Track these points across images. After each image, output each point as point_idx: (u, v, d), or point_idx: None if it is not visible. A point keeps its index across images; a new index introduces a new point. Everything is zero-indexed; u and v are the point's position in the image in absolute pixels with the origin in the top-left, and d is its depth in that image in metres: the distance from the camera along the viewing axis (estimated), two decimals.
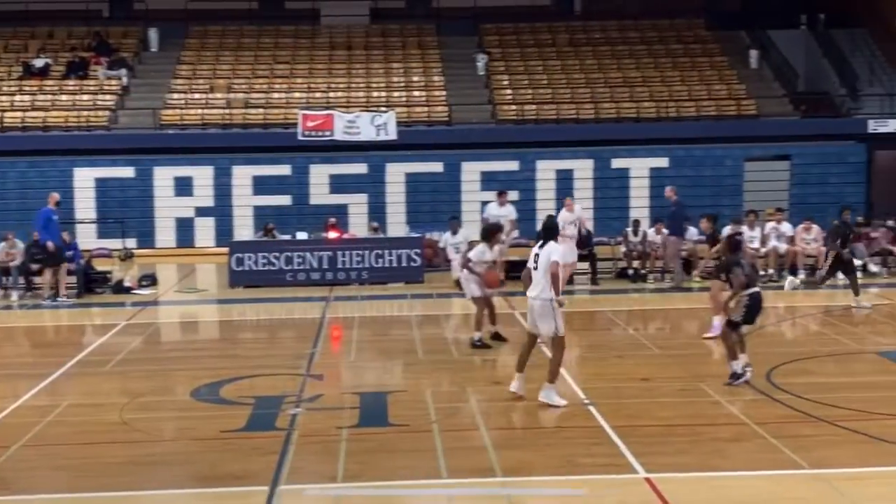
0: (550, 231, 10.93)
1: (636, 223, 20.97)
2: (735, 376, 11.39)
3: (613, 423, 10.05)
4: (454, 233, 19.84)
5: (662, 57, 30.13)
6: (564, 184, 26.27)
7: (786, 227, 20.53)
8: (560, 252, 10.77)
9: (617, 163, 26.55)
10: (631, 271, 20.28)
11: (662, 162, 26.51)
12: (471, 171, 26.52)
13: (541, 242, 10.82)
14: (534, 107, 28.01)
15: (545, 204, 24.76)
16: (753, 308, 11.50)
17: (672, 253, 19.51)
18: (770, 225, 20.55)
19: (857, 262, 20.02)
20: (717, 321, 13.59)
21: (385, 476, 8.74)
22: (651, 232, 20.58)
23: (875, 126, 26.80)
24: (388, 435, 10.02)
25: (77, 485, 8.65)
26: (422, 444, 9.65)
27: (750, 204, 24.07)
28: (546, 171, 26.48)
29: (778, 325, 15.79)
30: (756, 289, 11.61)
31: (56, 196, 19.62)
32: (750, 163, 26.57)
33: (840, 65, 29.51)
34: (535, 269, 10.75)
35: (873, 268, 20.16)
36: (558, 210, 24.26)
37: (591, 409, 10.69)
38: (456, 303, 18.59)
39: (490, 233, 14.11)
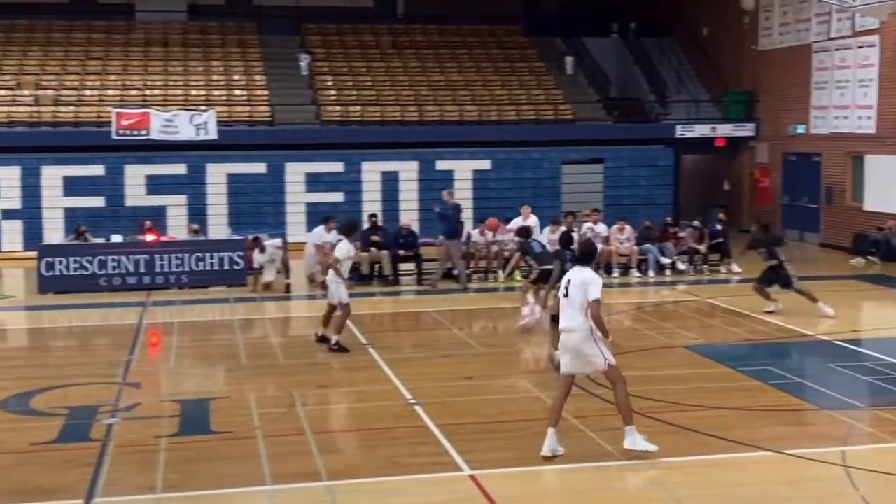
0: (588, 255, 9.28)
1: (460, 224, 21.27)
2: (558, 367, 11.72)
3: (439, 422, 10.17)
4: (262, 251, 19.52)
5: (483, 61, 30.69)
6: (390, 185, 26.39)
7: (601, 228, 21.27)
8: (599, 286, 9.00)
9: (441, 165, 26.84)
10: (455, 272, 20.56)
11: (485, 164, 26.99)
12: (295, 173, 26.22)
13: (573, 267, 9.25)
14: (358, 108, 27.99)
15: (371, 206, 24.78)
16: None
17: (457, 255, 19.82)
18: (586, 225, 21.25)
19: (665, 261, 21.04)
20: (526, 310, 14.70)
21: (208, 485, 8.55)
22: (475, 233, 20.93)
23: (682, 131, 28.14)
24: (210, 443, 9.82)
25: None
26: (245, 450, 9.48)
27: (568, 205, 24.83)
28: (371, 172, 26.49)
29: None
30: None
31: None
32: (567, 165, 27.41)
33: (650, 72, 30.84)
34: (566, 296, 9.04)
35: (681, 266, 21.15)
36: (385, 211, 24.46)
37: (417, 408, 10.77)
38: (280, 306, 18.37)
39: (349, 228, 14.17)
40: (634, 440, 8.98)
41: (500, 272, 20.44)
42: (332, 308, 14.06)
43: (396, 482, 8.58)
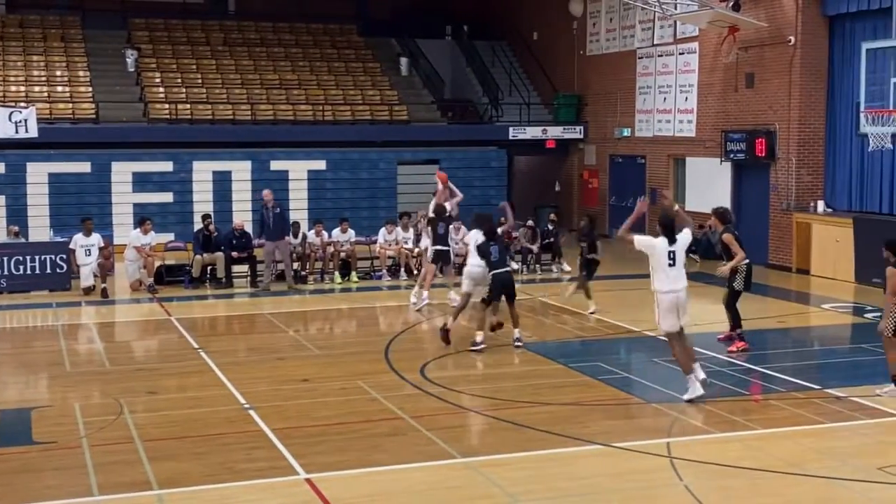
0: (671, 227, 11.22)
1: (296, 225, 21.04)
2: (475, 345, 13.46)
3: (274, 426, 10.03)
4: (87, 234, 18.93)
5: (317, 61, 30.47)
6: (222, 185, 25.87)
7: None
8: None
9: (276, 164, 26.51)
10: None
11: (320, 164, 26.82)
12: (121, 172, 25.36)
13: (668, 240, 11.10)
14: (188, 106, 27.29)
15: (202, 206, 24.22)
16: (495, 287, 13.64)
17: (285, 255, 19.66)
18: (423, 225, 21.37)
19: None
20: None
21: (30, 497, 8.17)
22: (311, 234, 20.76)
23: (514, 133, 28.75)
24: (33, 454, 9.38)
25: None
26: (70, 461, 9.11)
27: (403, 206, 24.97)
28: (202, 171, 25.89)
29: (430, 321, 16.47)
30: (500, 269, 13.65)
31: None
32: (403, 166, 27.55)
33: (483, 75, 31.34)
34: (673, 264, 11.02)
35: (514, 265, 21.55)
36: (218, 212, 23.92)
37: (251, 413, 10.59)
38: (105, 311, 17.73)
39: (485, 218, 14.75)
40: (693, 389, 10.87)
41: (337, 273, 20.34)
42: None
43: (230, 489, 8.41)
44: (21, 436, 9.96)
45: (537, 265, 21.83)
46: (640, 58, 26.94)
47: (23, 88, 26.62)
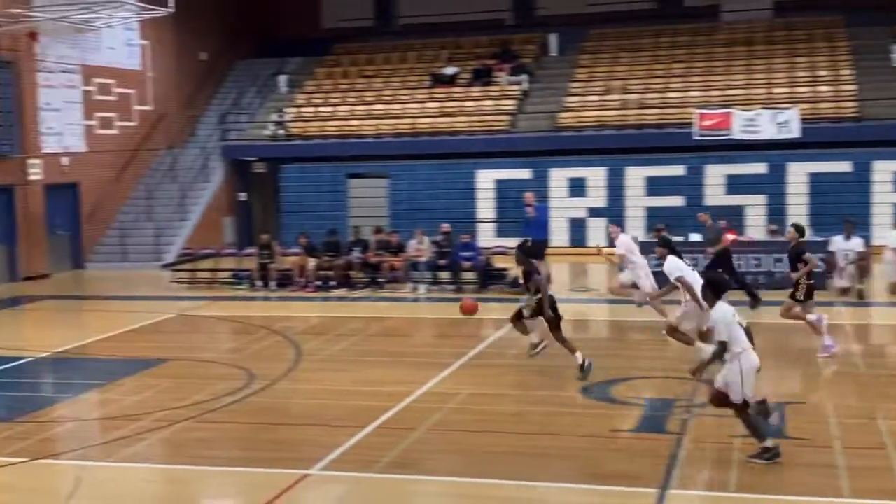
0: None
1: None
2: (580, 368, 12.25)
3: None
4: (847, 237, 18.62)
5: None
6: None
7: None
8: None
9: None
10: None
11: None
12: (882, 171, 24.61)
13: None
14: None
15: None
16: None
17: None
18: None
19: None
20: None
21: (777, 490, 8.35)
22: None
23: None
24: (786, 448, 9.51)
25: (472, 470, 9.06)
26: (820, 459, 9.06)
27: None
28: None
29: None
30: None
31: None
32: None
33: None
34: None
35: None
36: None
37: None
38: (856, 313, 17.28)
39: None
40: None
41: None
42: None
43: None
44: (774, 429, 10.18)
45: None
46: None
47: (786, 90, 27.22)
